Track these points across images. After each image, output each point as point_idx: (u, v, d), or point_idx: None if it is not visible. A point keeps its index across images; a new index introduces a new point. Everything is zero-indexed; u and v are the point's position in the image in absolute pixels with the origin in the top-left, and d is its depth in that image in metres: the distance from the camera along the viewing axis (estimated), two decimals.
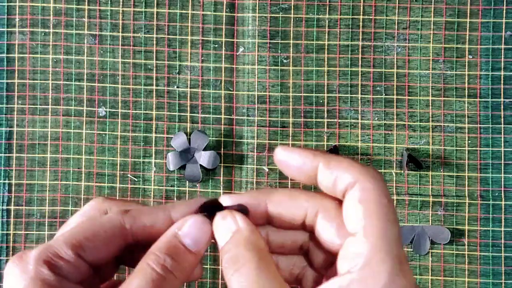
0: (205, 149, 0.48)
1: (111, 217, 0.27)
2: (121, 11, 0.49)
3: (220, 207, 0.28)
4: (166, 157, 0.49)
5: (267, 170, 0.48)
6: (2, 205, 0.49)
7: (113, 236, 0.27)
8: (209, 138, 0.48)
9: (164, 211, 0.28)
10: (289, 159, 0.27)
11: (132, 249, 0.28)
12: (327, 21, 0.49)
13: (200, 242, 0.27)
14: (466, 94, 0.48)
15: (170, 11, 0.49)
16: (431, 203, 0.48)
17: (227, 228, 0.27)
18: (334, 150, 0.47)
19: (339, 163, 0.26)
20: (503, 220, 0.48)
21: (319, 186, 0.27)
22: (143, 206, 0.29)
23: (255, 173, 0.49)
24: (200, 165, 0.48)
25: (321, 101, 0.49)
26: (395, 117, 0.48)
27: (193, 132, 0.48)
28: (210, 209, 0.28)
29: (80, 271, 0.26)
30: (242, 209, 0.27)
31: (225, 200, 0.28)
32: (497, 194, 0.48)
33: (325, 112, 0.49)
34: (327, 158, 0.26)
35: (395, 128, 0.48)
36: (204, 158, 0.48)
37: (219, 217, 0.27)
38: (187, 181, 0.49)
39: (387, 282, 0.23)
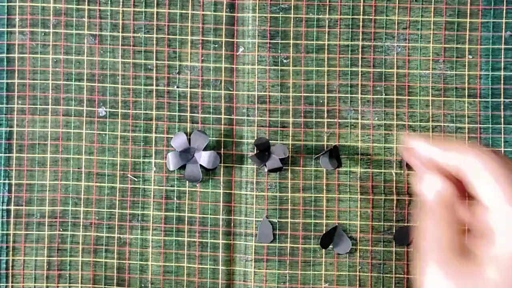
0: (205, 149, 0.48)
1: None
2: (121, 11, 0.49)
3: None
4: (166, 157, 0.49)
5: (266, 170, 0.48)
6: (2, 205, 0.49)
7: None
8: (209, 138, 0.48)
9: None
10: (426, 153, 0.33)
11: None
12: (327, 21, 0.49)
13: None
14: (466, 94, 0.48)
15: (170, 11, 0.49)
16: None
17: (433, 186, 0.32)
18: (334, 150, 0.47)
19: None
20: None
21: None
22: None
23: (255, 173, 0.49)
24: (200, 165, 0.48)
25: (321, 101, 0.49)
26: (395, 117, 0.48)
27: (193, 132, 0.48)
28: None
29: None
30: None
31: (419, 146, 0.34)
32: None
33: (325, 112, 0.49)
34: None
35: (395, 128, 0.48)
36: (204, 158, 0.48)
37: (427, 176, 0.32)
38: (187, 181, 0.49)
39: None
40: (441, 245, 0.29)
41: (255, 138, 0.49)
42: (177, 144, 0.48)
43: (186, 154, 0.48)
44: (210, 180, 0.49)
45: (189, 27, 0.49)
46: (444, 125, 0.48)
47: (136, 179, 0.49)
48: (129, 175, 0.49)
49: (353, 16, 0.48)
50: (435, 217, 0.30)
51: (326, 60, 0.49)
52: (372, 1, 0.48)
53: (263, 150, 0.47)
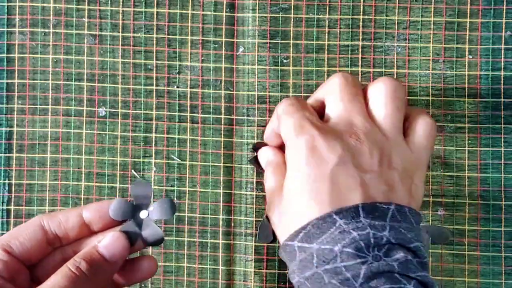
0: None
1: (33, 218, 0.35)
2: (121, 11, 0.49)
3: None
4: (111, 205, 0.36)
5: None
6: (2, 205, 0.49)
7: (34, 233, 0.34)
8: (151, 188, 0.38)
9: (76, 210, 0.35)
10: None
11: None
12: (327, 21, 0.49)
13: (115, 252, 0.33)
14: (466, 94, 0.48)
15: (170, 11, 0.49)
16: (431, 203, 0.48)
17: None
18: None
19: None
20: (503, 220, 0.48)
21: None
22: (63, 210, 0.36)
23: (255, 173, 0.49)
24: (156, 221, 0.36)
25: None
26: None
27: (132, 185, 0.37)
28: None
29: (10, 267, 0.33)
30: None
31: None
32: (497, 194, 0.48)
33: None
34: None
35: None
36: (156, 211, 0.36)
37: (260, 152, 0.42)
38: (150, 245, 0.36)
39: None
40: (272, 194, 0.38)
41: (255, 138, 0.49)
42: (116, 213, 0.36)
43: (135, 217, 0.36)
44: (210, 180, 0.49)
45: (189, 27, 0.49)
46: (444, 125, 0.48)
47: (138, 176, 0.49)
48: (132, 171, 0.49)
49: (353, 16, 0.48)
50: (268, 176, 0.38)
51: (326, 60, 0.49)
52: (372, 1, 0.48)
53: (138, 208, 0.39)
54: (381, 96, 0.36)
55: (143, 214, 0.36)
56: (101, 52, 0.49)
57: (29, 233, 0.34)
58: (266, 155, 0.40)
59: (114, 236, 0.34)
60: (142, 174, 0.49)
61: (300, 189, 0.33)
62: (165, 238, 0.49)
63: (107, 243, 0.33)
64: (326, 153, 0.33)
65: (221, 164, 0.49)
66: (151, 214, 0.36)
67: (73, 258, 0.32)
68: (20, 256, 0.33)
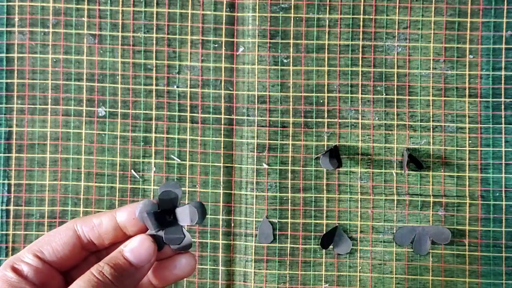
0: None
1: (67, 223, 0.33)
2: (120, 11, 0.49)
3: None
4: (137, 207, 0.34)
5: (266, 166, 0.48)
6: (2, 205, 0.49)
7: (67, 238, 0.33)
8: (181, 190, 0.34)
9: (110, 213, 0.33)
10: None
11: None
12: (327, 21, 0.48)
13: (141, 257, 0.32)
14: (467, 94, 0.48)
15: (170, 10, 0.49)
16: (431, 203, 0.48)
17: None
18: (335, 150, 0.47)
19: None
20: (503, 220, 0.47)
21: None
22: (97, 213, 0.35)
23: (255, 173, 0.49)
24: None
25: (321, 101, 0.48)
26: (395, 117, 0.48)
27: (161, 186, 0.34)
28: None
29: (42, 272, 0.31)
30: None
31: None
32: (497, 194, 0.48)
33: (326, 112, 0.48)
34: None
35: (395, 128, 0.48)
36: (184, 215, 0.34)
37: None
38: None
39: None
40: None
41: (255, 138, 0.49)
42: (143, 216, 0.33)
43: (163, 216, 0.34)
44: (210, 180, 0.49)
45: (189, 26, 0.49)
46: (444, 125, 0.48)
47: (138, 176, 0.49)
48: (132, 171, 0.49)
49: (353, 16, 0.48)
50: None
51: (326, 60, 0.48)
52: (373, 1, 0.48)
53: (166, 211, 0.34)
54: None
55: (170, 217, 0.33)
56: (101, 51, 0.49)
57: (61, 238, 0.32)
58: None
59: (140, 239, 0.32)
60: (142, 174, 0.49)
61: None
62: None
63: (133, 247, 0.32)
64: None
65: (221, 164, 0.49)
66: (179, 218, 0.33)
67: (98, 263, 0.31)
68: (53, 262, 0.32)
